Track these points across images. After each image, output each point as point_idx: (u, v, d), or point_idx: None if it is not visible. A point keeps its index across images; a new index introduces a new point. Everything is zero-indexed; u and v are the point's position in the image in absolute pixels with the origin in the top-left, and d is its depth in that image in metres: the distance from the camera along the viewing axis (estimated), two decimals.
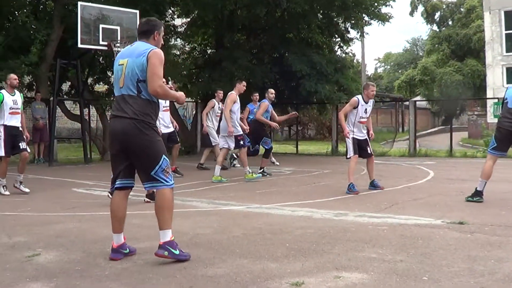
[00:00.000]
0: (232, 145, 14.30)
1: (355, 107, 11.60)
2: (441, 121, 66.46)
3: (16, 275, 5.27)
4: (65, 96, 24.06)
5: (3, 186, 11.56)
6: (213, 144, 17.49)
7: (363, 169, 13.56)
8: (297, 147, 27.22)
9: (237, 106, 14.08)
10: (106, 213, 9.04)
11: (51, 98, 20.41)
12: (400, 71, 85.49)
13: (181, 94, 6.13)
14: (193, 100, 27.52)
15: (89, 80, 23.33)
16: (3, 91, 11.50)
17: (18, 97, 11.70)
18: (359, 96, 11.81)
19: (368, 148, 11.94)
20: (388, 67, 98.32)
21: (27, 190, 11.67)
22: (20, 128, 11.64)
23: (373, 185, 11.88)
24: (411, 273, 5.23)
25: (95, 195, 11.49)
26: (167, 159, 5.88)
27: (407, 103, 28.96)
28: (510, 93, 9.89)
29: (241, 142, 14.26)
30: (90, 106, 23.02)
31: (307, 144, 33.30)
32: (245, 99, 18.21)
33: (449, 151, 23.33)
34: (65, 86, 24.79)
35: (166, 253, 5.63)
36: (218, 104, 17.71)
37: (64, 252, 6.22)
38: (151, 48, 5.78)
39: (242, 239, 6.84)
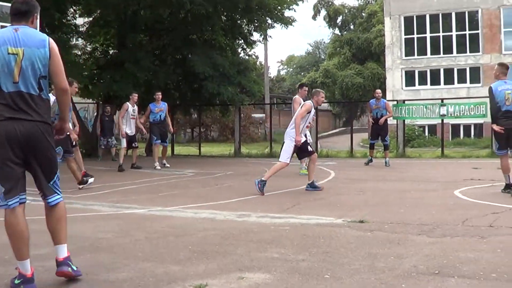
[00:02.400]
0: None
1: (309, 112, 11.73)
2: (342, 123, 67.65)
3: None
4: None
5: None
6: (122, 146, 18.05)
7: (266, 170, 13.62)
8: (199, 149, 27.26)
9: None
10: None
11: None
12: (302, 73, 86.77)
13: None
14: (95, 102, 27.08)
15: None
16: None
17: None
18: (311, 101, 11.95)
19: (309, 147, 12.05)
20: (291, 69, 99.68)
21: None
22: None
23: (313, 186, 11.89)
24: (313, 271, 5.31)
25: None
26: None
27: None
28: (501, 96, 10.61)
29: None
30: None
31: (210, 146, 33.37)
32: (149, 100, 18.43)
33: (350, 152, 23.79)
34: None
35: (69, 269, 5.02)
36: (133, 107, 17.82)
37: None
38: (47, 36, 5.09)
39: (144, 242, 6.79)
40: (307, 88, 16.70)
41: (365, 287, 4.85)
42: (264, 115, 48.86)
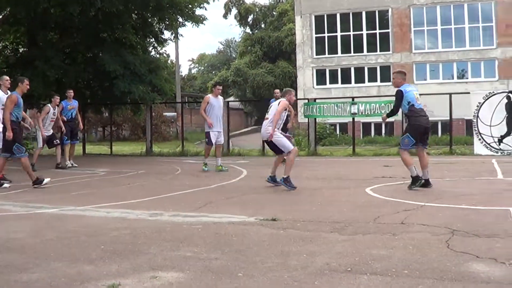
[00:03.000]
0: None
1: (285, 109, 12.15)
2: (254, 121, 68.02)
3: None
4: None
5: None
6: (38, 146, 17.91)
7: (177, 169, 13.64)
8: (111, 148, 26.99)
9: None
10: None
11: None
12: (213, 72, 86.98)
13: None
14: None
15: None
16: None
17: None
18: (285, 100, 12.14)
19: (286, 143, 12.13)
20: (202, 68, 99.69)
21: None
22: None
23: (275, 180, 12.17)
24: (226, 270, 5.35)
25: None
26: None
27: None
28: (411, 95, 11.19)
29: (207, 140, 16.25)
30: None
31: (122, 145, 33.08)
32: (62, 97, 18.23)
33: (262, 150, 23.94)
34: None
35: None
36: (54, 109, 17.60)
37: None
38: None
39: (56, 242, 6.72)
40: (220, 87, 16.89)
41: (278, 285, 4.90)
42: (175, 113, 48.67)
